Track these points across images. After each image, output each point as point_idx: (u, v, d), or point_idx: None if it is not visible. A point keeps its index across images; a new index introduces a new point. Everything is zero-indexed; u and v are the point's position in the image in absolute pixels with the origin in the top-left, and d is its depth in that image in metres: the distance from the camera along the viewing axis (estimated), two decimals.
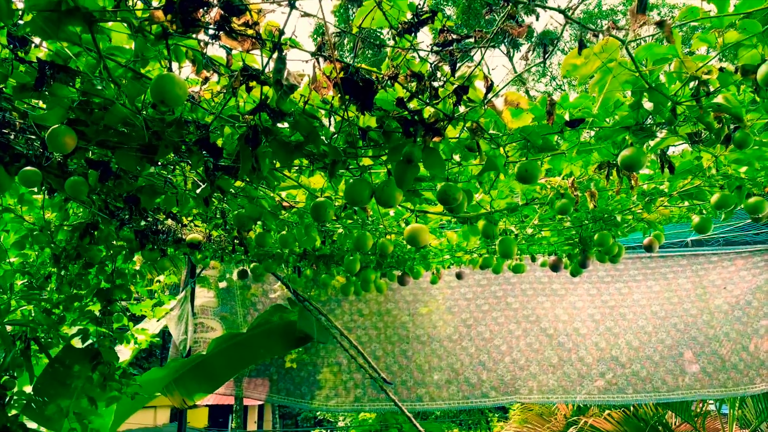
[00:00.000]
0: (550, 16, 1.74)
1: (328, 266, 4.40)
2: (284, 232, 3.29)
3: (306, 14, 1.64)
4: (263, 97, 1.95)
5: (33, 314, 5.08)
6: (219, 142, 2.38)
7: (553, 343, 6.22)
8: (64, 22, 1.70)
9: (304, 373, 6.37)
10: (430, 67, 1.85)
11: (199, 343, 7.17)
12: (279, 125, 2.15)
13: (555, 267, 4.14)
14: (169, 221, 4.39)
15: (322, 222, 2.61)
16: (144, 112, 2.17)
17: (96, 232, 4.57)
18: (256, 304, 7.09)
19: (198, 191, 2.78)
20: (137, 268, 5.62)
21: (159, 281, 6.93)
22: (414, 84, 1.89)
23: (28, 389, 5.05)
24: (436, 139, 2.09)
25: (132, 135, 2.36)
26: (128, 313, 6.27)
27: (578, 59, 1.96)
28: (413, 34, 1.69)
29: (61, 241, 4.66)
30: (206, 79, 1.99)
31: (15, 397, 4.99)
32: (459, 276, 5.24)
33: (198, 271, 7.48)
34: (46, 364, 5.22)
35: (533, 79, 24.29)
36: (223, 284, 7.60)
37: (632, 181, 2.69)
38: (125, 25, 1.74)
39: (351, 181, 2.22)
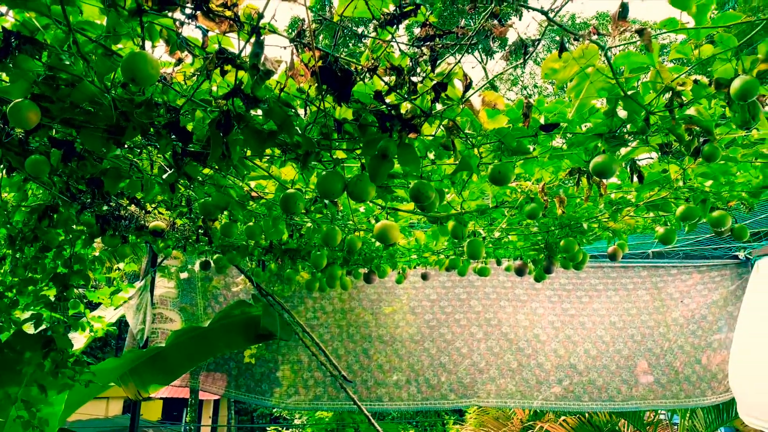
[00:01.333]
0: (532, 17, 1.74)
1: (294, 261, 4.35)
2: (251, 223, 3.23)
3: None
4: (238, 82, 1.91)
5: None
6: (189, 127, 2.33)
7: (513, 348, 6.26)
8: None
9: (263, 369, 6.29)
10: (410, 61, 1.83)
11: (156, 333, 7.03)
12: (252, 112, 2.10)
13: (520, 271, 4.16)
14: (133, 207, 4.29)
15: (292, 214, 2.57)
16: (113, 91, 2.10)
17: (55, 215, 4.44)
18: (218, 297, 6.98)
19: (164, 176, 2.71)
20: (96, 254, 5.49)
21: (118, 269, 6.79)
22: (393, 78, 1.87)
23: None
24: (412, 135, 2.08)
25: (99, 114, 2.29)
26: (85, 300, 6.12)
27: (558, 63, 1.97)
28: (395, 26, 1.67)
29: (18, 223, 4.52)
30: (180, 61, 1.94)
31: None
32: (424, 277, 5.24)
33: (159, 260, 7.33)
34: None
35: (506, 88, 24.51)
36: (184, 275, 7.47)
37: (601, 189, 2.71)
38: None
39: (324, 173, 2.19)
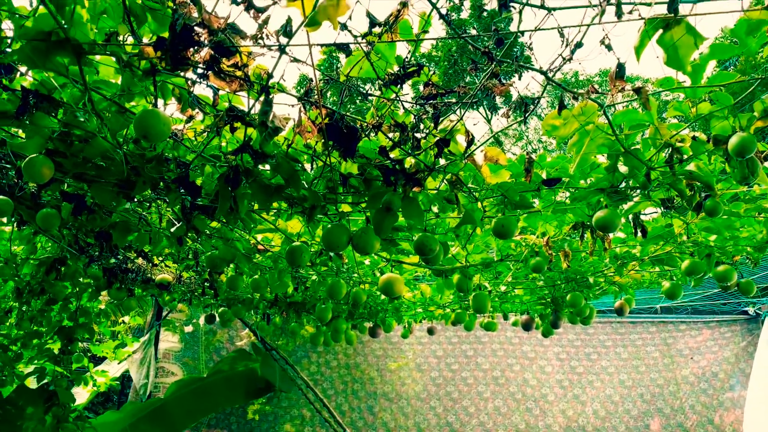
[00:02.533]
0: (532, 77, 1.80)
1: (299, 314, 4.34)
2: (257, 276, 3.25)
3: (295, 60, 1.67)
4: (247, 138, 1.96)
5: None
6: (198, 181, 2.38)
7: (521, 408, 6.16)
8: (53, 53, 1.70)
9: (264, 425, 6.19)
10: (414, 118, 1.88)
11: (158, 388, 6.96)
12: (260, 167, 2.15)
13: (527, 326, 4.13)
14: (140, 260, 4.32)
15: (297, 267, 2.59)
16: (125, 147, 2.16)
17: (63, 268, 4.48)
18: (220, 350, 6.94)
19: (173, 230, 2.75)
20: (102, 307, 5.50)
21: (123, 322, 6.78)
22: (397, 134, 1.92)
23: None
24: (416, 189, 2.12)
25: (110, 169, 2.35)
26: (89, 354, 6.09)
27: (558, 120, 2.02)
28: (399, 86, 1.73)
29: (26, 275, 4.55)
30: (191, 118, 2.00)
31: None
32: (431, 331, 5.20)
33: (164, 313, 7.32)
34: None
35: (510, 143, 24.82)
36: (189, 328, 7.44)
37: (605, 243, 2.73)
38: (114, 59, 1.75)
39: (329, 226, 2.22)
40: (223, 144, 2.20)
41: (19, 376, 5.21)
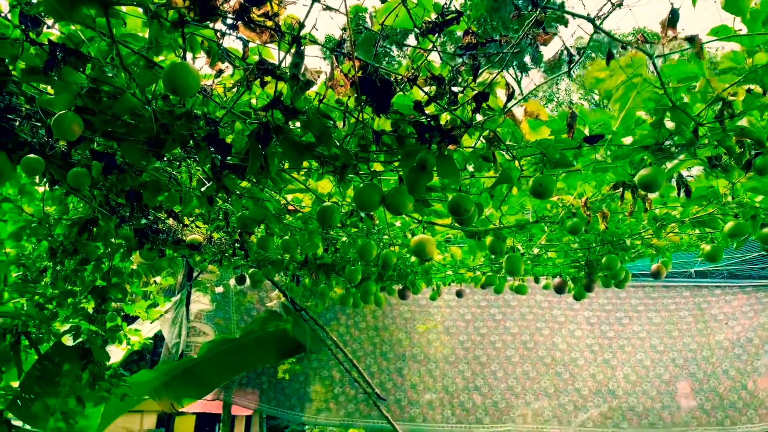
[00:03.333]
0: (578, 25, 1.70)
1: (328, 275, 4.33)
2: (287, 237, 3.22)
3: (328, 8, 1.59)
4: (277, 93, 1.90)
5: (25, 308, 5.01)
6: (228, 139, 2.33)
7: (550, 373, 6.12)
8: (79, 4, 1.65)
9: (295, 385, 6.27)
10: (451, 70, 1.80)
11: (190, 347, 7.07)
12: (291, 124, 2.10)
13: (559, 289, 4.07)
14: (170, 221, 4.33)
15: (328, 227, 2.55)
16: (154, 103, 2.12)
17: (95, 229, 4.51)
18: (251, 311, 7.00)
19: (203, 189, 2.72)
20: (134, 267, 5.56)
21: (155, 282, 6.87)
22: (433, 88, 1.84)
23: (15, 385, 4.97)
24: (451, 146, 2.04)
25: (140, 127, 2.31)
26: (122, 314, 6.20)
27: (604, 72, 1.92)
28: (437, 35, 1.64)
29: (59, 236, 4.60)
30: (220, 72, 1.94)
31: (1, 392, 4.91)
32: (459, 294, 5.16)
33: (195, 274, 7.39)
34: (35, 360, 5.13)
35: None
36: (219, 289, 7.52)
37: (646, 204, 2.63)
38: (141, 10, 1.69)
39: (361, 185, 2.16)
40: (253, 101, 2.15)
41: (55, 333, 5.32)
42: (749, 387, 6.00)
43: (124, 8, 1.75)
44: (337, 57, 1.76)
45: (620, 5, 1.55)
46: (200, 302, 7.49)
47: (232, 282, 7.32)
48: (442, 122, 1.99)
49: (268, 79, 1.83)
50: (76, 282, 5.11)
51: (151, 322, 6.90)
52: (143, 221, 4.22)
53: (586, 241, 3.44)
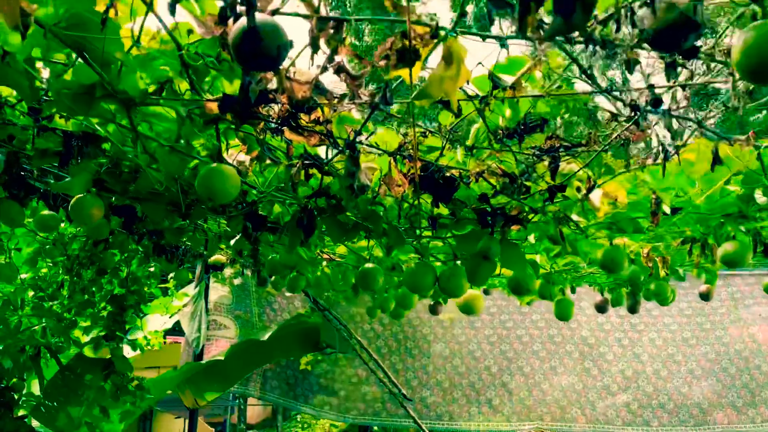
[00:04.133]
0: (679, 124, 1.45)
1: (356, 291, 4.15)
2: (319, 274, 3.03)
3: (389, 115, 1.36)
4: (324, 186, 1.68)
5: (44, 321, 4.90)
6: (263, 210, 2.12)
7: (577, 369, 5.98)
8: (97, 104, 1.42)
9: (322, 381, 6.18)
10: (526, 168, 1.57)
11: (211, 340, 6.98)
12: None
13: (602, 309, 3.86)
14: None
15: (370, 291, 2.35)
16: (180, 181, 1.90)
17: (111, 238, 4.34)
18: (272, 304, 6.88)
19: (232, 243, 2.52)
20: (152, 270, 5.40)
21: (173, 278, 6.72)
22: (502, 180, 1.61)
23: (38, 392, 4.91)
24: (514, 227, 1.82)
25: (164, 195, 2.10)
26: (141, 315, 6.08)
27: (693, 154, 1.68)
28: (516, 139, 1.41)
29: (74, 250, 4.44)
30: (259, 157, 1.72)
31: (23, 398, 4.84)
32: (486, 291, 4.98)
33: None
34: (56, 371, 5.05)
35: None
36: (238, 281, 7.38)
37: (714, 256, 2.41)
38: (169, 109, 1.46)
39: (413, 266, 1.95)
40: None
41: (75, 341, 5.23)
42: None
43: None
44: (395, 156, 1.53)
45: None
46: (219, 292, 7.36)
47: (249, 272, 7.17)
48: (507, 209, 1.77)
49: (313, 172, 1.61)
50: (94, 291, 4.98)
51: (170, 317, 6.80)
52: (163, 242, 4.04)
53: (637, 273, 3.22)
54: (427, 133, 1.44)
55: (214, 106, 1.36)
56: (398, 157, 1.51)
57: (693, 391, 5.81)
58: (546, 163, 1.50)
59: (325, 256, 2.68)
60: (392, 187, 1.57)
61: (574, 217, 1.93)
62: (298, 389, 6.28)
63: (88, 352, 5.09)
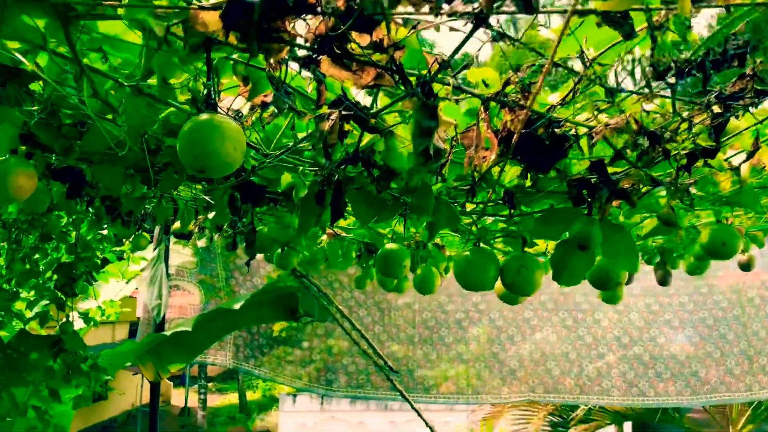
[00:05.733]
0: None
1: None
2: (316, 249, 2.51)
3: (500, 35, 0.82)
4: (364, 147, 1.14)
5: None
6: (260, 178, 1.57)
7: (571, 337, 5.63)
8: (15, 15, 0.85)
9: (299, 352, 5.72)
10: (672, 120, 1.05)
11: (174, 308, 6.42)
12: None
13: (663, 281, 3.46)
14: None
15: (391, 277, 1.85)
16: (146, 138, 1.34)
17: (54, 198, 3.70)
18: (241, 267, 6.32)
19: (211, 216, 1.97)
20: (104, 233, 4.79)
21: (129, 240, 6.09)
22: (632, 140, 1.10)
23: None
24: (615, 203, 1.32)
25: (126, 157, 1.53)
26: (95, 282, 5.46)
27: None
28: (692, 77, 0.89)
29: (10, 214, 3.80)
30: (264, 105, 1.16)
31: None
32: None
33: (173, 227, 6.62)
34: None
35: None
36: (202, 243, 6.78)
37: None
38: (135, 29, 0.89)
39: (467, 255, 1.44)
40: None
41: (18, 316, 4.64)
42: None
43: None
44: (486, 103, 0.99)
45: None
46: (181, 255, 6.76)
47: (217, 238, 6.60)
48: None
49: (350, 127, 1.07)
50: (38, 260, 4.37)
51: (126, 283, 6.20)
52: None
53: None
54: (552, 70, 0.91)
55: (210, 18, 0.80)
56: (492, 105, 0.98)
57: (690, 359, 5.54)
58: (708, 115, 1.00)
59: (328, 231, 2.15)
60: (478, 149, 1.04)
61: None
62: (273, 360, 5.80)
63: (33, 327, 4.51)
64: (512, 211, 1.29)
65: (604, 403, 5.64)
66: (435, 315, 5.70)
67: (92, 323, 4.93)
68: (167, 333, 5.71)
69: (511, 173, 1.29)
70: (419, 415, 4.95)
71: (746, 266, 3.25)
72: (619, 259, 1.30)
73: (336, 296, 5.59)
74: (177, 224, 3.55)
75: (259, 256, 6.44)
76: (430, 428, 4.89)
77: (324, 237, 2.31)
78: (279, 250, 2.51)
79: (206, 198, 2.00)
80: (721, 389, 5.50)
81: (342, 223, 2.15)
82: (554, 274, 1.33)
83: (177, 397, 22.76)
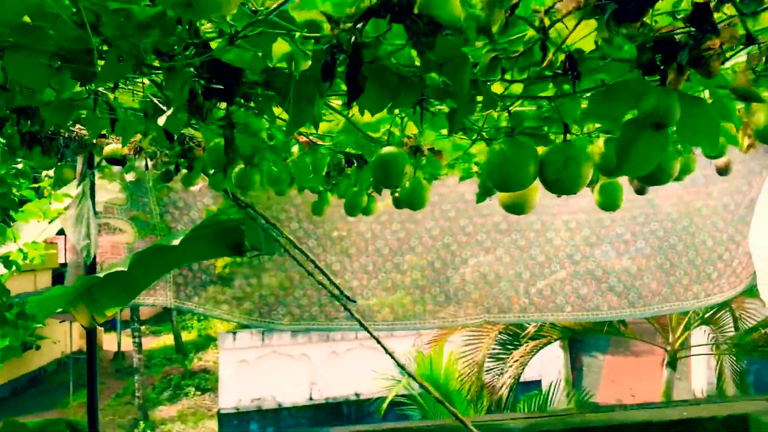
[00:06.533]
0: None
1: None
2: (291, 163, 2.18)
3: None
4: None
5: None
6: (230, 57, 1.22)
7: (524, 257, 5.55)
8: None
9: (247, 288, 5.41)
10: None
11: (106, 248, 5.94)
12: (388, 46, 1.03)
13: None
14: (78, 126, 3.10)
15: (392, 187, 1.56)
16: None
17: None
18: (177, 201, 5.88)
19: (162, 121, 1.60)
20: (19, 167, 4.27)
21: (48, 176, 5.52)
22: None
23: None
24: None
25: (48, 37, 1.16)
26: (12, 223, 4.93)
27: None
28: None
29: None
30: None
31: None
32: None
33: (97, 160, 6.04)
34: None
35: None
36: (131, 176, 6.25)
37: None
38: None
39: (503, 147, 1.17)
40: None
41: None
42: (725, 257, 5.76)
43: None
44: None
45: None
46: (108, 191, 6.23)
47: (142, 165, 6.11)
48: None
49: None
50: None
51: (49, 223, 5.68)
52: (36, 127, 2.97)
53: None
54: None
55: None
56: None
57: (642, 271, 5.59)
58: None
59: (302, 138, 1.83)
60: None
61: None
62: (218, 296, 5.48)
63: None
64: (576, 80, 1.02)
65: (559, 319, 5.66)
66: (388, 243, 5.49)
67: (14, 267, 4.46)
68: (101, 275, 5.27)
69: (574, 36, 1.01)
70: (379, 342, 4.79)
71: (724, 170, 3.13)
72: (698, 138, 1.07)
73: (283, 229, 5.27)
74: (110, 147, 3.12)
75: (195, 187, 6.01)
76: (391, 356, 4.76)
77: (294, 149, 1.98)
78: (237, 169, 2.17)
79: (154, 101, 1.62)
80: (672, 299, 5.60)
81: (323, 126, 1.82)
82: (619, 163, 1.08)
83: (109, 342, 22.23)
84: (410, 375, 3.83)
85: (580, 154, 1.17)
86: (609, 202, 2.22)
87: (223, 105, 1.73)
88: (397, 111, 1.56)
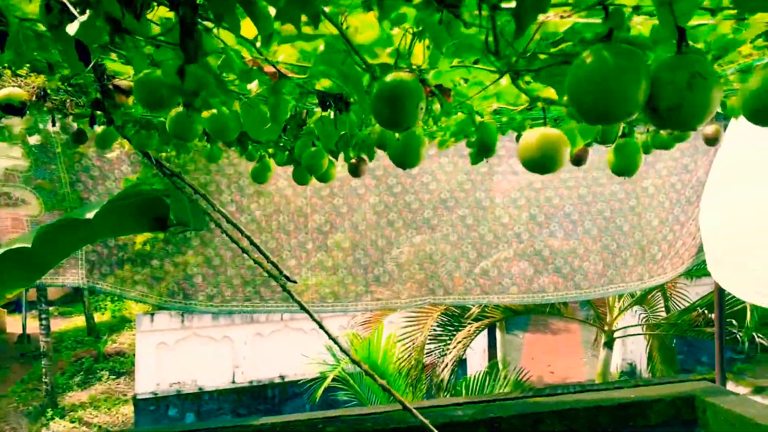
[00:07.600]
0: None
1: (244, 145, 2.86)
2: (226, 111, 1.73)
3: None
4: None
5: None
6: None
7: (471, 236, 5.27)
8: None
9: (170, 266, 4.86)
10: None
11: (6, 221, 5.21)
12: None
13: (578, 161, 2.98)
14: None
15: (402, 127, 1.15)
16: None
17: None
18: (90, 169, 5.22)
19: (72, 30, 1.12)
20: None
21: None
22: None
23: None
24: None
25: None
26: None
27: None
28: None
29: None
30: None
31: None
32: (380, 146, 3.93)
33: None
34: None
35: None
36: (35, 139, 5.52)
37: None
38: None
39: (603, 54, 0.78)
40: None
41: None
42: (669, 238, 5.68)
43: None
44: None
45: None
46: (8, 157, 5.48)
47: (51, 127, 5.40)
48: None
49: None
50: None
51: None
52: None
53: None
54: None
55: None
56: None
57: (589, 252, 5.42)
58: None
59: (267, 68, 1.38)
60: None
61: None
62: (136, 276, 4.90)
63: None
64: None
65: (504, 301, 5.43)
66: (329, 219, 5.07)
67: None
68: (0, 251, 4.56)
69: None
70: (320, 326, 4.34)
71: (713, 140, 2.91)
72: None
73: (214, 201, 4.75)
74: (5, 91, 2.54)
75: (112, 154, 5.37)
76: (333, 340, 4.33)
77: (252, 85, 1.53)
78: (174, 113, 1.70)
79: (65, 1, 1.14)
80: (617, 280, 5.47)
81: (289, 52, 1.38)
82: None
83: (12, 325, 20.76)
84: (354, 360, 3.46)
85: (708, 69, 0.81)
86: (626, 164, 1.91)
87: (163, 11, 1.26)
88: (407, 26, 1.15)
